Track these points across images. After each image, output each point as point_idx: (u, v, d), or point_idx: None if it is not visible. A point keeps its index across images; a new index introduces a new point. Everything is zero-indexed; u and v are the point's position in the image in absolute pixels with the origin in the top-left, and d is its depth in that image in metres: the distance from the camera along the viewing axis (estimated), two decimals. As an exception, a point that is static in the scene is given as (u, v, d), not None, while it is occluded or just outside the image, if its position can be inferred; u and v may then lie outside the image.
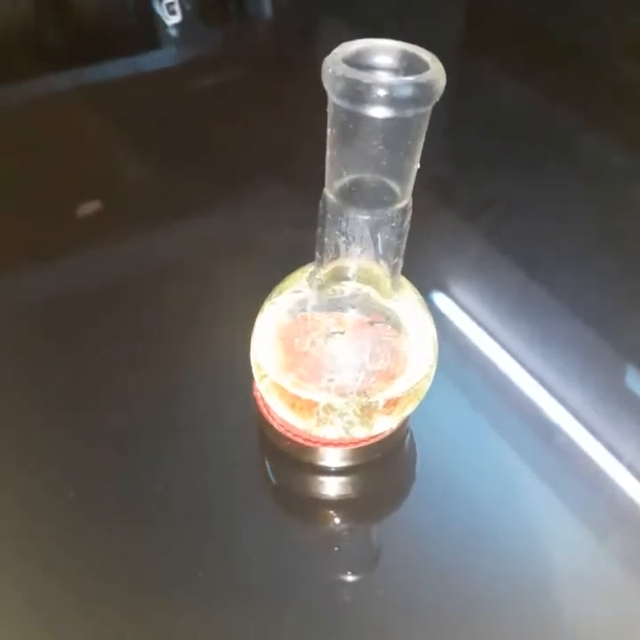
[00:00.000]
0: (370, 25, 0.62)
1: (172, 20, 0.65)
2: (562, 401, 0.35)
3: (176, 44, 0.67)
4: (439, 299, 0.40)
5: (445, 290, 0.41)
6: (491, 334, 0.38)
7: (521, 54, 0.64)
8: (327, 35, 0.68)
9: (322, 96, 0.21)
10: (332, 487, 0.31)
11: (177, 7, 0.65)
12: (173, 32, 0.66)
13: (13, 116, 0.54)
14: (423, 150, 0.22)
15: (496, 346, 0.38)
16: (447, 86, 0.20)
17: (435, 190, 0.48)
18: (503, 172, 0.51)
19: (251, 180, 0.49)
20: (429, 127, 0.21)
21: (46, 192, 0.47)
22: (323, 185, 0.23)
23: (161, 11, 0.66)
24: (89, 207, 0.46)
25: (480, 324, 0.39)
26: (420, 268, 0.39)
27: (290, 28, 0.71)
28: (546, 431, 0.34)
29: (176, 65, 0.65)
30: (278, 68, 0.63)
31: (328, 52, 0.20)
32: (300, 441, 0.30)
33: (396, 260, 0.25)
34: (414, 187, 0.23)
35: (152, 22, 0.67)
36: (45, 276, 0.41)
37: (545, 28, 0.69)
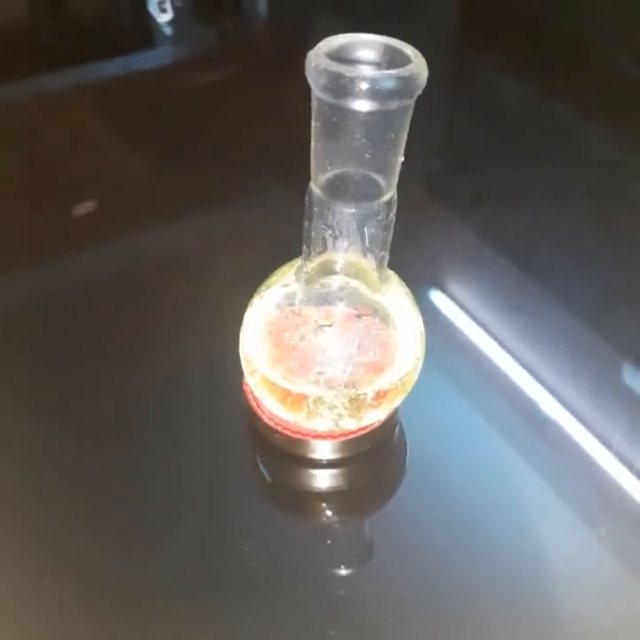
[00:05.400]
0: (366, 22, 0.62)
1: (164, 17, 0.65)
2: (553, 393, 0.35)
3: (171, 43, 0.67)
4: (432, 292, 0.41)
5: (439, 284, 0.41)
6: (484, 328, 0.38)
7: (518, 49, 0.64)
8: (323, 32, 0.68)
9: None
10: (322, 480, 0.32)
11: (168, 5, 0.65)
12: (168, 30, 0.66)
13: (8, 114, 0.54)
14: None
15: (488, 339, 0.38)
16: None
17: (429, 184, 0.48)
18: (499, 166, 0.51)
19: (246, 177, 0.49)
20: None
21: (42, 190, 0.47)
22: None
23: (152, 9, 0.66)
24: (85, 205, 0.46)
25: (474, 317, 0.39)
26: (414, 262, 0.39)
27: (285, 25, 0.71)
28: (537, 423, 0.34)
29: (171, 63, 0.65)
30: (274, 66, 0.63)
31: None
32: (290, 434, 0.30)
33: (383, 253, 0.25)
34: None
35: (147, 21, 0.67)
36: (41, 272, 0.41)
37: (543, 22, 0.69)
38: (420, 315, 0.29)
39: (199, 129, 0.53)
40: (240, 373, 0.30)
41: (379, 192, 0.23)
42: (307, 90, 0.21)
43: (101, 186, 0.48)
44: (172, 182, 0.48)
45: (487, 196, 0.49)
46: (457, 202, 0.48)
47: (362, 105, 0.20)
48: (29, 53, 0.62)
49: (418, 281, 0.40)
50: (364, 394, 0.27)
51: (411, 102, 0.21)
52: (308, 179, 0.24)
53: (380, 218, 0.24)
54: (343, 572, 0.29)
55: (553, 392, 0.35)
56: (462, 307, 0.40)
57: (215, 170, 0.49)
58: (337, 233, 0.24)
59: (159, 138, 0.52)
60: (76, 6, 0.73)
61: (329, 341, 0.27)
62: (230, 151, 0.51)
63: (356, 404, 0.27)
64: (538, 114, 0.57)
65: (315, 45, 0.21)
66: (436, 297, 0.40)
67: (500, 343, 0.38)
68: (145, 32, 0.68)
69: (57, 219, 0.45)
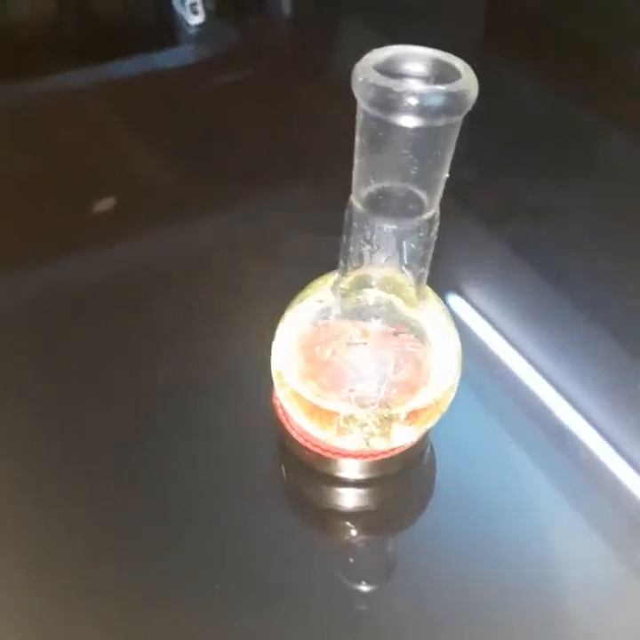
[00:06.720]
0: (389, 23, 0.62)
1: (195, 20, 0.65)
2: (587, 416, 0.35)
3: (195, 42, 0.67)
4: (463, 307, 0.40)
5: (469, 298, 0.41)
6: (515, 346, 0.38)
7: (546, 56, 0.64)
8: (346, 33, 0.67)
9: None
10: (349, 499, 0.31)
11: (200, 7, 0.65)
12: (191, 29, 0.66)
13: (33, 111, 0.54)
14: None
15: (520, 358, 0.37)
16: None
17: (459, 196, 0.46)
18: (529, 177, 0.51)
19: (268, 178, 0.48)
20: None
21: (64, 187, 0.47)
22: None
23: (183, 11, 0.65)
24: (106, 203, 0.46)
25: (504, 335, 0.38)
26: (444, 276, 0.39)
27: (309, 25, 0.71)
28: (570, 447, 0.34)
29: (195, 62, 0.65)
30: (298, 66, 0.63)
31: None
32: (319, 451, 0.29)
33: (422, 269, 0.25)
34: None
35: (171, 19, 0.67)
36: (62, 272, 0.41)
37: (570, 29, 0.68)
38: (457, 333, 0.28)
39: (223, 129, 0.52)
40: (270, 387, 0.29)
41: (421, 209, 0.22)
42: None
43: (122, 185, 0.48)
44: (196, 183, 0.47)
45: (517, 208, 0.48)
46: (486, 214, 0.47)
47: (409, 121, 0.19)
48: (55, 51, 0.62)
49: (447, 295, 0.39)
50: (397, 413, 0.26)
51: (459, 119, 0.20)
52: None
53: (421, 234, 0.23)
54: (366, 590, 0.28)
55: (588, 417, 0.34)
56: (492, 323, 0.39)
57: (238, 171, 0.49)
58: (375, 248, 0.24)
59: (182, 138, 0.52)
60: (99, 4, 0.73)
61: (363, 358, 0.26)
62: (254, 152, 0.50)
63: (387, 423, 0.27)
64: (567, 122, 0.57)
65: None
66: (466, 312, 0.40)
67: (534, 364, 0.37)
68: (168, 30, 0.68)
69: (77, 217, 0.45)
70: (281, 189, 0.48)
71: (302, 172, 0.48)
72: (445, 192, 0.22)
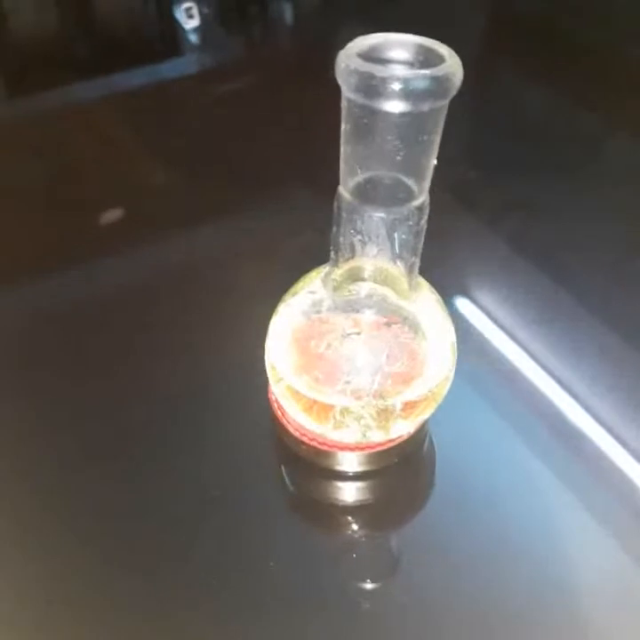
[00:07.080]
0: (389, 25, 0.62)
1: (190, 24, 0.66)
2: (586, 407, 0.34)
3: (197, 51, 0.68)
4: (462, 302, 0.40)
5: (468, 294, 0.41)
6: (514, 339, 0.38)
7: (547, 56, 0.64)
8: (349, 40, 0.67)
9: (339, 97, 0.20)
10: (349, 492, 0.31)
11: (195, 11, 0.66)
12: (194, 38, 0.66)
13: (40, 123, 0.54)
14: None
15: (519, 351, 0.37)
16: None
17: (459, 193, 0.47)
18: (528, 175, 0.51)
19: (272, 185, 0.48)
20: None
21: (70, 198, 0.47)
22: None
23: (179, 15, 0.66)
24: (110, 214, 0.46)
25: (504, 328, 0.38)
26: (444, 272, 0.39)
27: (311, 33, 0.71)
28: (569, 437, 0.33)
29: (198, 71, 0.65)
30: (300, 74, 0.63)
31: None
32: (317, 445, 0.29)
33: (413, 259, 0.24)
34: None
35: (174, 30, 0.68)
36: (68, 279, 0.41)
37: (571, 29, 0.68)
38: (451, 323, 0.28)
39: (226, 137, 0.53)
40: (266, 382, 0.29)
41: (410, 196, 0.22)
42: (333, 97, 0.20)
43: (127, 194, 0.48)
44: (200, 191, 0.48)
45: (516, 206, 0.48)
46: (486, 211, 0.47)
47: (394, 106, 0.19)
48: (57, 63, 0.62)
49: (447, 291, 0.39)
50: (393, 404, 0.26)
51: (445, 103, 0.20)
52: (335, 185, 0.23)
53: (411, 223, 0.23)
54: (368, 585, 0.28)
55: (585, 405, 0.34)
56: (492, 317, 0.39)
57: (241, 177, 0.49)
58: (366, 238, 0.24)
59: (185, 146, 0.52)
60: (103, 16, 0.74)
61: (357, 350, 0.26)
62: (257, 159, 0.50)
63: (383, 414, 0.26)
64: (567, 121, 0.57)
65: (338, 51, 0.20)
66: (466, 307, 0.40)
67: (531, 355, 0.37)
68: (171, 41, 0.68)
69: (83, 227, 0.45)
70: (286, 194, 0.48)
71: (307, 177, 0.48)
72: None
